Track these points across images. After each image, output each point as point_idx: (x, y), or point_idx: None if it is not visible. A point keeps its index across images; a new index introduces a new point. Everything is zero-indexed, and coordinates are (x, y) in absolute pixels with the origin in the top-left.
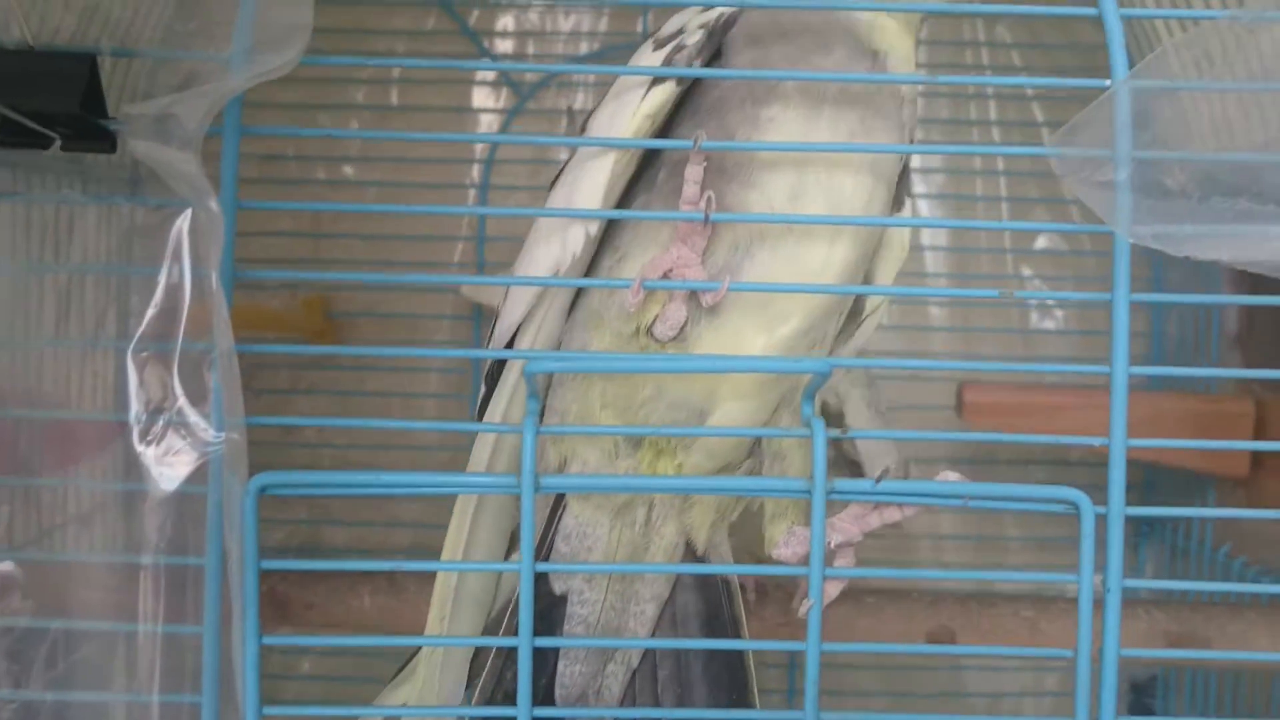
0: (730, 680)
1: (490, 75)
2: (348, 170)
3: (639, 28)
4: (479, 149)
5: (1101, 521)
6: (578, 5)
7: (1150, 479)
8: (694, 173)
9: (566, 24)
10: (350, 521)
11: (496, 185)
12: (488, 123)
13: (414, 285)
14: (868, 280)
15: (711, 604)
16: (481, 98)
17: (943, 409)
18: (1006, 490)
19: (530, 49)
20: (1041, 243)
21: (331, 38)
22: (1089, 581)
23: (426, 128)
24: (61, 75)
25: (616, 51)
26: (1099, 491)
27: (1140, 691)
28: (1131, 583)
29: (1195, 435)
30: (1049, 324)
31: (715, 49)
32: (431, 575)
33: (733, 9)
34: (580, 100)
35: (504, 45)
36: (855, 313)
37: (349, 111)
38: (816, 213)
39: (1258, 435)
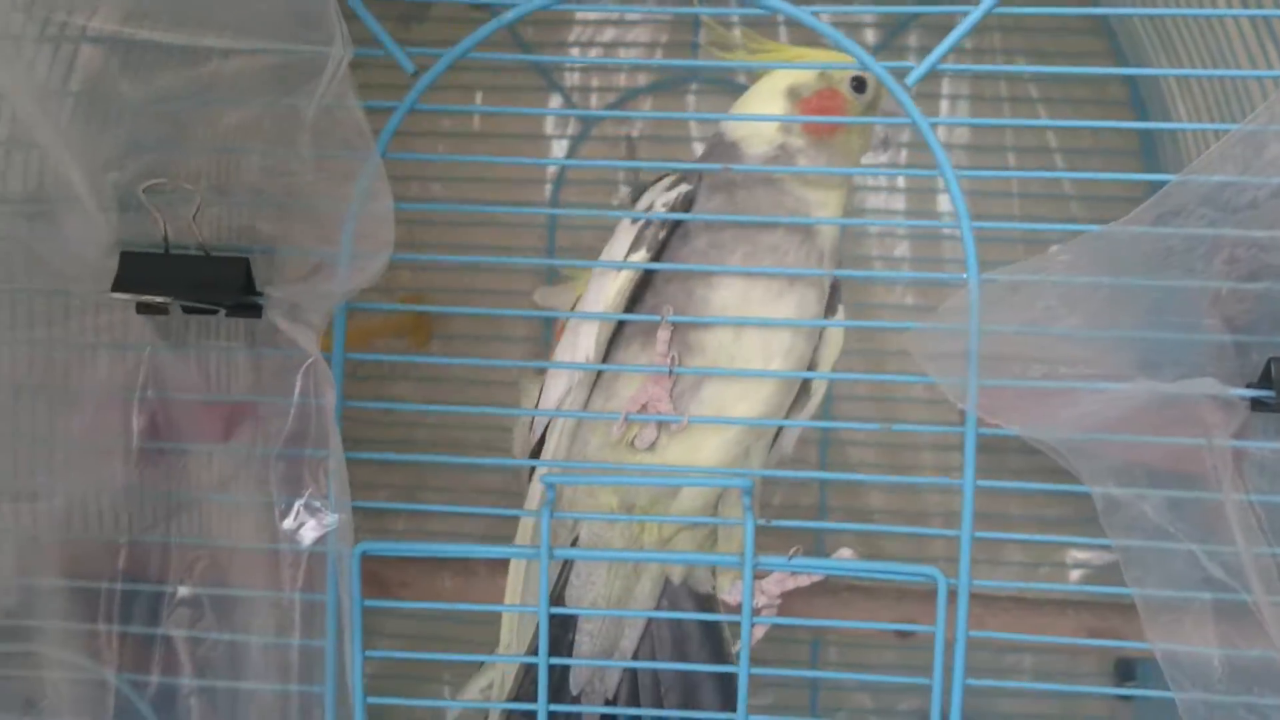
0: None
1: (559, 104)
2: (436, 189)
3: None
4: (550, 170)
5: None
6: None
7: None
8: (663, 335)
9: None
10: (440, 487)
11: (565, 202)
12: (559, 147)
13: (493, 289)
14: (814, 364)
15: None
16: (552, 125)
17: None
18: (881, 566)
19: (594, 81)
20: None
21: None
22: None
23: (503, 152)
24: (226, 272)
25: (669, 84)
26: None
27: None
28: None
29: None
30: None
31: (679, 225)
32: (497, 563)
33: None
34: (639, 128)
35: (571, 78)
36: (805, 388)
37: (436, 138)
38: (753, 345)
39: None
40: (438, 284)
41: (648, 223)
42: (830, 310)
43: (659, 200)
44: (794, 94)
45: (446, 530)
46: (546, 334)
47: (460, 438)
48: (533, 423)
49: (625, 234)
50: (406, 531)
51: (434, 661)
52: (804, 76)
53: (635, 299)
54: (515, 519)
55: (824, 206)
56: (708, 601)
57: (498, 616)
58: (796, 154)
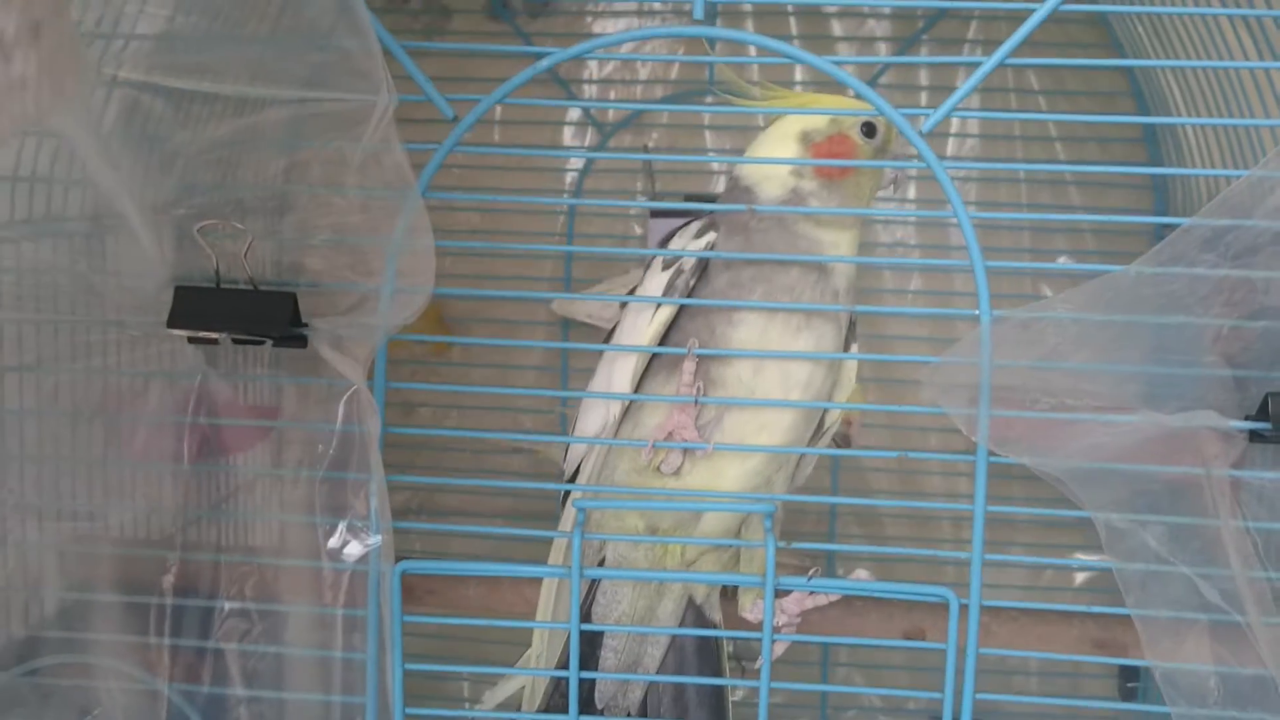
0: (715, 699)
1: (577, 116)
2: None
3: (705, 75)
4: (568, 179)
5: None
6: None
7: None
8: (689, 367)
9: (644, 72)
10: (452, 504)
11: (582, 211)
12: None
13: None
14: (831, 397)
15: (703, 639)
16: (570, 137)
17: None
18: (896, 587)
19: (612, 94)
20: None
21: (440, 85)
22: (953, 652)
23: (524, 160)
24: (273, 306)
25: (687, 96)
26: None
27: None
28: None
29: None
30: None
31: (704, 267)
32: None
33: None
34: (655, 139)
35: (590, 90)
36: (820, 425)
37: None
38: (771, 379)
39: None
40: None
41: (679, 270)
42: (847, 346)
43: (689, 247)
44: (806, 139)
45: (460, 543)
46: (563, 351)
47: (472, 454)
48: (565, 456)
49: (656, 281)
50: (423, 543)
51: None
52: (815, 122)
53: (661, 340)
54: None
55: (836, 247)
56: (712, 627)
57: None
58: (808, 197)
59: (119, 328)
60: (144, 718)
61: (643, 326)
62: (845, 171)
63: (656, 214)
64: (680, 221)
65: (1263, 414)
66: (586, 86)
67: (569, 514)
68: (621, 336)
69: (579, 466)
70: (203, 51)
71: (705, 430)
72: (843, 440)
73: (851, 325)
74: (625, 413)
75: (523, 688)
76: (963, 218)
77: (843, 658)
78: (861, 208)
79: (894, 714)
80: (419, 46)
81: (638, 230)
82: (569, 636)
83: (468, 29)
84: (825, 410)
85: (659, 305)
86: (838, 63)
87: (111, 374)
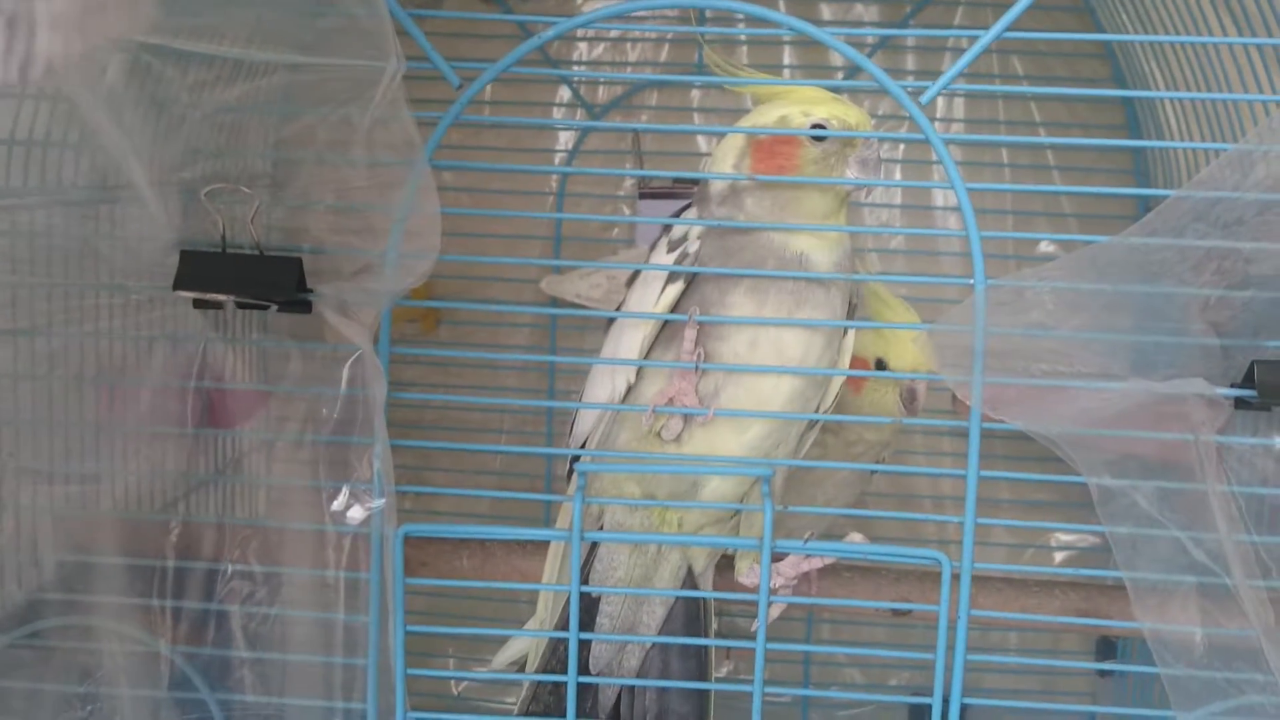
0: (698, 663)
1: (567, 97)
2: (446, 177)
3: (694, 59)
4: (558, 159)
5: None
6: (643, 41)
7: None
8: (690, 335)
9: (633, 54)
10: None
11: (571, 192)
12: (565, 138)
13: (501, 277)
14: (820, 402)
15: (692, 611)
16: (560, 118)
17: None
18: (890, 550)
19: (601, 77)
20: None
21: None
22: (945, 615)
23: (513, 142)
24: (279, 270)
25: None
26: None
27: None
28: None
29: None
30: None
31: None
32: (513, 543)
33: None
34: (645, 118)
35: (578, 67)
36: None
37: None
38: (766, 356)
39: None
40: (446, 271)
41: (685, 253)
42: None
43: (693, 232)
44: (749, 139)
45: (450, 509)
46: (551, 320)
47: (463, 418)
48: (572, 428)
49: (661, 260)
50: (414, 510)
51: (441, 636)
52: (763, 120)
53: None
54: (521, 500)
55: (799, 236)
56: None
57: (509, 593)
58: (744, 193)
59: (122, 291)
60: (146, 680)
61: (649, 304)
62: (786, 172)
63: (645, 194)
64: (672, 204)
65: (1248, 381)
66: (576, 68)
67: (574, 483)
68: (630, 307)
69: (584, 443)
70: (204, 12)
71: (704, 403)
72: (909, 396)
73: (852, 308)
74: (630, 389)
75: (527, 653)
76: (958, 185)
77: (825, 634)
78: (805, 206)
79: (875, 689)
80: (423, 15)
81: (627, 211)
82: (567, 600)
83: (460, 8)
84: (822, 393)
85: (665, 286)
86: (837, 34)
87: (115, 337)
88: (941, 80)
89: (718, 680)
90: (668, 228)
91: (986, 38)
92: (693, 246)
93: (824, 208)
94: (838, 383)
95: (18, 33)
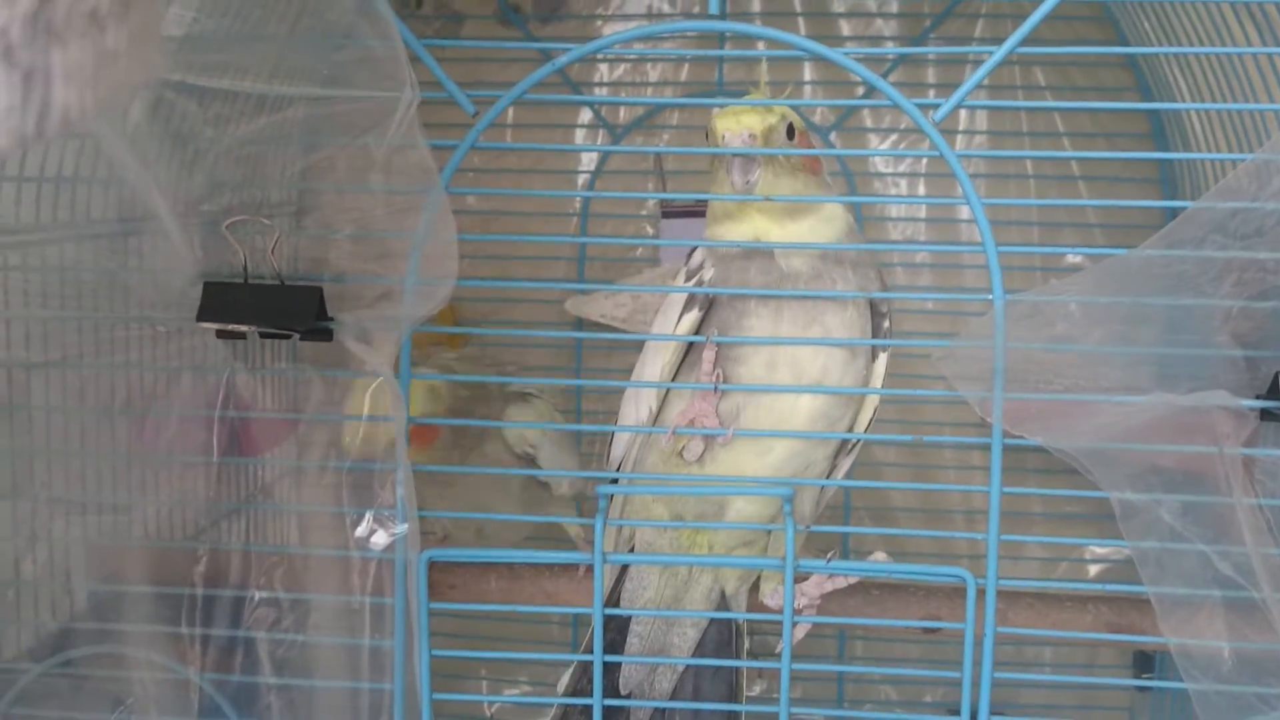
0: (729, 686)
1: (588, 118)
2: (470, 200)
3: (714, 77)
4: (581, 180)
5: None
6: (664, 60)
7: None
8: (709, 356)
9: (654, 74)
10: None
11: (595, 213)
12: (588, 158)
13: (526, 298)
14: (853, 424)
15: (724, 635)
16: (581, 139)
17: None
18: (914, 568)
19: (624, 94)
20: None
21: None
22: (971, 630)
23: (536, 163)
24: (300, 300)
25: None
26: None
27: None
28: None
29: None
30: None
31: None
32: (543, 568)
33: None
34: (665, 140)
35: (600, 93)
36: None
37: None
38: (785, 376)
39: None
40: (471, 293)
41: (700, 280)
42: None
43: (709, 260)
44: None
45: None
46: (577, 344)
47: None
48: (608, 456)
49: (677, 301)
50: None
51: (472, 659)
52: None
53: (685, 349)
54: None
55: (784, 239)
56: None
57: (538, 616)
58: (725, 215)
59: (148, 323)
60: (176, 707)
61: (670, 328)
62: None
63: (669, 214)
64: (695, 223)
65: (1273, 392)
66: (597, 89)
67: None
68: (650, 342)
69: (619, 465)
70: (225, 50)
71: (725, 425)
72: None
73: (883, 321)
74: (657, 413)
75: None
76: (974, 201)
77: (859, 651)
78: (737, 215)
79: (910, 706)
80: (438, 44)
81: (650, 231)
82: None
83: (479, 34)
84: (853, 412)
85: (681, 313)
86: (848, 54)
87: (143, 368)
88: (955, 97)
89: (750, 700)
90: (688, 257)
91: (998, 55)
92: (707, 275)
93: (742, 214)
94: (871, 402)
95: (34, 85)
